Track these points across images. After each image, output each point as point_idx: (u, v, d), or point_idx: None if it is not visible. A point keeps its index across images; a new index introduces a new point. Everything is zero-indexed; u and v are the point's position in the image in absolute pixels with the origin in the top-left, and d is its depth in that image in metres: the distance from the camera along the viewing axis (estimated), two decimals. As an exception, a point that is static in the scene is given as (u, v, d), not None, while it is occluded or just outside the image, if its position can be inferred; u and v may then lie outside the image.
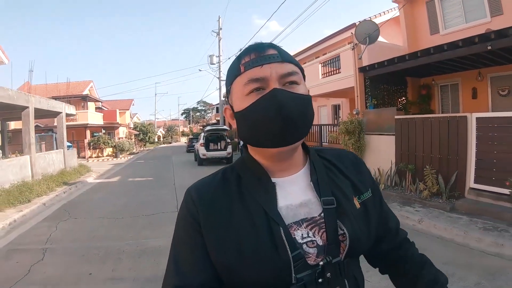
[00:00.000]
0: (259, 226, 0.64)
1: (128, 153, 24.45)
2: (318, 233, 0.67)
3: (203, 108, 65.84)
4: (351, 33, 9.26)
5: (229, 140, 15.41)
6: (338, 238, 0.67)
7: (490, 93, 7.81)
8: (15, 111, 10.00)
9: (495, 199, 4.98)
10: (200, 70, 39.86)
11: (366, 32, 7.93)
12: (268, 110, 0.63)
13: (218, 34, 23.96)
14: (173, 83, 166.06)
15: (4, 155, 11.18)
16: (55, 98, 17.01)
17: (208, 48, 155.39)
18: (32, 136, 9.49)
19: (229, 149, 14.79)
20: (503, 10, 7.35)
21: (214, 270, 0.66)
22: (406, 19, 9.77)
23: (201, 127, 40.23)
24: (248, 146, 0.74)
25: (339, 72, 10.35)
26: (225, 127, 16.69)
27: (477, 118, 5.41)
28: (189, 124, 70.29)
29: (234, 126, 0.73)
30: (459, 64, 7.15)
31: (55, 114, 12.86)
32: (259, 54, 0.66)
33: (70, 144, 13.77)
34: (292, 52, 15.33)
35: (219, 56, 23.76)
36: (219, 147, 15.13)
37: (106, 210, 6.86)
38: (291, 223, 0.66)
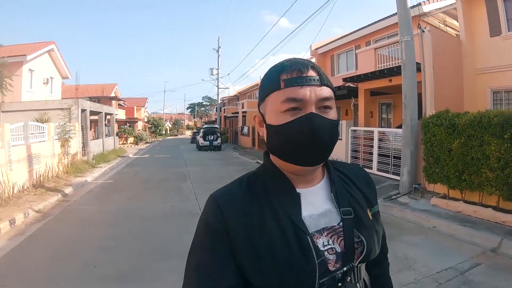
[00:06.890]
0: (288, 235, 0.67)
1: (144, 142, 31.63)
2: (337, 241, 0.71)
3: (208, 104, 72.00)
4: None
5: (219, 134, 23.03)
6: (354, 245, 0.71)
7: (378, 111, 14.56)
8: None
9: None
10: (203, 80, 47.79)
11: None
12: (303, 132, 0.65)
13: (217, 51, 31.56)
14: (180, 81, 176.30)
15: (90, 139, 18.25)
16: (91, 98, 23.53)
17: (210, 57, 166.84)
18: (104, 128, 16.68)
19: (219, 140, 22.47)
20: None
21: (239, 278, 0.67)
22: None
23: (204, 123, 47.95)
24: (271, 155, 0.77)
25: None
26: (216, 126, 25.16)
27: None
28: (194, 118, 76.13)
29: (262, 133, 0.76)
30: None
31: (110, 114, 20.07)
32: (301, 73, 0.67)
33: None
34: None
35: (218, 69, 31.58)
36: (212, 139, 22.39)
37: (154, 165, 14.11)
38: (313, 231, 0.70)
